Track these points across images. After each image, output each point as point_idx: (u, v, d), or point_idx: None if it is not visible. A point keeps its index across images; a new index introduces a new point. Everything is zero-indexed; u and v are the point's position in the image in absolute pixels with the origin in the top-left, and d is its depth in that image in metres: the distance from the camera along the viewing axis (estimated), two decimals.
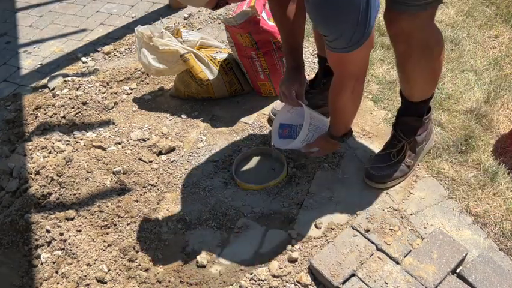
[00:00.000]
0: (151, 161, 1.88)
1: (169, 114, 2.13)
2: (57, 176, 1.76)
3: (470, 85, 2.11)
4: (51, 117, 2.10)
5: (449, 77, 2.16)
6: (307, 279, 1.44)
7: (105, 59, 2.54)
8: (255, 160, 1.87)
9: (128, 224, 1.64)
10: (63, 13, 3.01)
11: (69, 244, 1.57)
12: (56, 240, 1.59)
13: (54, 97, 2.23)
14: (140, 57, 2.07)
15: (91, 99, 2.19)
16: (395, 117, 1.72)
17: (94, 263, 1.52)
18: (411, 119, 1.64)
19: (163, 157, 1.91)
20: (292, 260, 1.50)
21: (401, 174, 1.68)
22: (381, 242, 1.47)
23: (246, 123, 2.04)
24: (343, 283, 1.38)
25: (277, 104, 1.98)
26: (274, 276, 1.46)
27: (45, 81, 2.38)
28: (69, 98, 2.20)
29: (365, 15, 1.18)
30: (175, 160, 1.90)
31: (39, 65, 2.55)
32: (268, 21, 1.96)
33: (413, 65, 1.48)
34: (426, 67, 1.49)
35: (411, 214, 1.61)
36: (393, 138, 1.70)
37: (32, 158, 1.87)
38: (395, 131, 1.69)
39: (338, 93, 1.46)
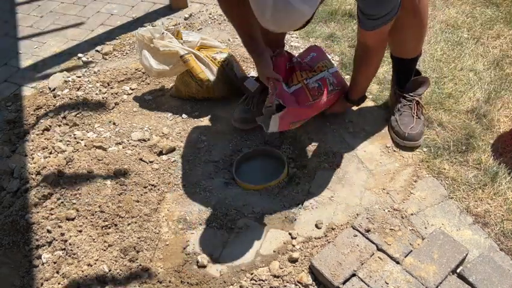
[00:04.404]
0: (151, 161, 1.88)
1: (169, 115, 2.13)
2: (58, 176, 1.76)
3: (470, 85, 2.11)
4: (52, 117, 2.10)
5: (449, 76, 2.17)
6: (307, 279, 1.44)
7: (105, 59, 2.55)
8: (255, 160, 1.87)
9: (128, 224, 1.64)
10: (63, 13, 3.01)
11: (70, 244, 1.57)
12: (56, 240, 1.59)
13: (55, 97, 2.23)
14: (142, 59, 2.08)
15: (91, 100, 2.19)
16: (396, 87, 1.95)
17: (95, 263, 1.52)
18: (418, 78, 1.92)
19: (164, 157, 1.91)
20: (293, 260, 1.50)
21: (424, 128, 1.92)
22: (381, 242, 1.47)
23: None
24: (344, 283, 1.38)
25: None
26: (274, 276, 1.46)
27: (45, 81, 2.39)
28: (69, 98, 2.20)
29: None
30: (175, 160, 1.90)
31: (39, 66, 2.55)
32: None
33: (405, 29, 1.73)
34: (417, 30, 1.76)
35: (411, 214, 1.61)
36: (403, 102, 1.91)
37: (32, 158, 1.88)
38: (404, 94, 1.91)
39: (373, 61, 1.72)
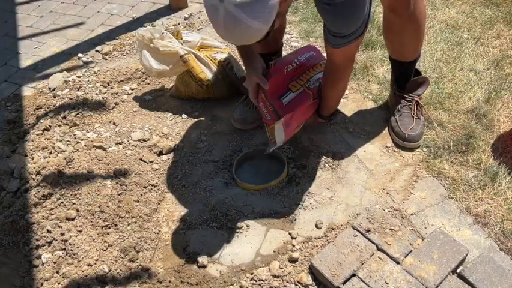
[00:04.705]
0: (151, 161, 1.88)
1: (169, 115, 2.13)
2: (58, 176, 1.76)
3: (470, 85, 2.11)
4: (52, 117, 2.10)
5: (449, 76, 2.17)
6: (307, 279, 1.44)
7: (105, 59, 2.55)
8: (255, 160, 1.87)
9: (129, 224, 1.64)
10: (63, 13, 3.01)
11: (70, 244, 1.57)
12: (56, 240, 1.59)
13: (55, 97, 2.23)
14: (142, 59, 2.08)
15: (91, 100, 2.19)
16: (396, 87, 1.93)
17: (95, 263, 1.52)
18: (418, 78, 1.90)
19: (164, 157, 1.91)
20: (293, 260, 1.50)
21: (424, 129, 1.90)
22: (381, 242, 1.47)
23: None
24: (344, 283, 1.38)
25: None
26: (274, 276, 1.46)
27: (45, 81, 2.39)
28: (70, 98, 2.20)
29: (369, 5, 1.39)
30: (175, 160, 1.90)
31: (39, 66, 2.55)
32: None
33: (401, 33, 1.73)
34: (414, 35, 1.76)
35: (411, 214, 1.61)
36: (403, 103, 1.91)
37: (32, 158, 1.88)
38: (404, 95, 1.90)
39: (341, 79, 1.67)
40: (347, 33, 1.40)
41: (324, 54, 1.78)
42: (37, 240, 1.60)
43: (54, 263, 1.54)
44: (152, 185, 1.78)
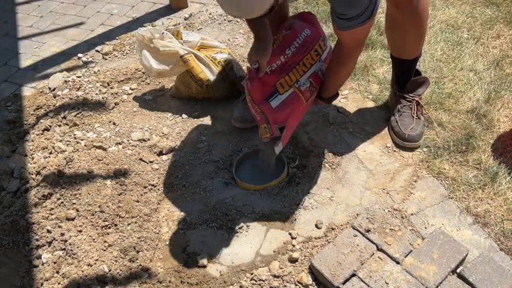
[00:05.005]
0: (151, 161, 1.88)
1: (169, 115, 2.13)
2: (58, 176, 1.76)
3: (470, 85, 2.11)
4: (52, 117, 2.10)
5: (449, 76, 2.17)
6: (307, 279, 1.44)
7: (105, 59, 2.55)
8: (255, 160, 1.87)
9: (129, 224, 1.64)
10: (63, 13, 3.01)
11: (70, 244, 1.57)
12: (56, 240, 1.59)
13: (55, 97, 2.23)
14: (142, 59, 2.08)
15: (91, 100, 2.19)
16: (396, 87, 1.94)
17: (95, 263, 1.52)
18: (418, 78, 1.91)
19: (164, 157, 1.91)
20: (293, 260, 1.50)
21: (424, 129, 1.90)
22: (381, 242, 1.47)
23: None
24: (344, 283, 1.38)
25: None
26: (274, 276, 1.46)
27: (45, 81, 2.39)
28: (70, 98, 2.20)
29: None
30: (175, 160, 1.90)
31: (39, 66, 2.55)
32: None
33: (404, 30, 1.74)
34: (416, 31, 1.76)
35: (411, 214, 1.61)
36: (403, 102, 1.91)
37: (32, 158, 1.88)
38: (404, 95, 1.90)
39: (347, 63, 1.64)
40: (353, 15, 1.40)
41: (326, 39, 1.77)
42: (37, 240, 1.60)
43: (54, 263, 1.54)
44: (152, 185, 1.78)
